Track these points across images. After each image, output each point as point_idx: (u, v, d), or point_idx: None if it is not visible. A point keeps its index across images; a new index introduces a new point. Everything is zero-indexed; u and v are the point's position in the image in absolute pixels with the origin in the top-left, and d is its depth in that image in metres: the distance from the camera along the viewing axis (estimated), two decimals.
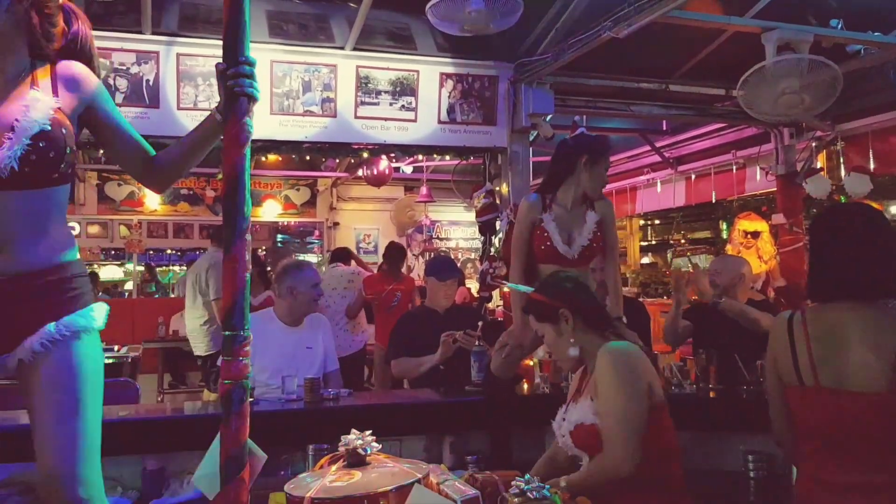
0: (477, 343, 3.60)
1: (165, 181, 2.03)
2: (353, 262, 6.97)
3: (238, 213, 1.70)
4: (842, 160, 5.72)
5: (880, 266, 2.02)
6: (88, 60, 1.97)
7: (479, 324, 3.83)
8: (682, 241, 11.73)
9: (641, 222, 12.40)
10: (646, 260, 13.32)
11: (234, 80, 1.71)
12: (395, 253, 6.68)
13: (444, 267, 4.30)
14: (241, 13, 1.70)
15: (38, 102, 1.77)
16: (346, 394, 3.33)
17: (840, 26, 4.22)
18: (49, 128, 1.75)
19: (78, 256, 1.91)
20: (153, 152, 1.99)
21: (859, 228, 2.07)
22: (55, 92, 1.83)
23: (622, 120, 6.08)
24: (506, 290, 3.42)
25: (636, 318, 3.85)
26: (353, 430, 1.84)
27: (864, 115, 5.50)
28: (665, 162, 7.20)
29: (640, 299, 8.47)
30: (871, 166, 5.49)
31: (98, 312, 1.87)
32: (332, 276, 6.47)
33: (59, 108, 1.80)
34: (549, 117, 5.11)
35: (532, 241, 3.29)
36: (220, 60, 1.73)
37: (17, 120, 1.72)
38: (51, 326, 1.76)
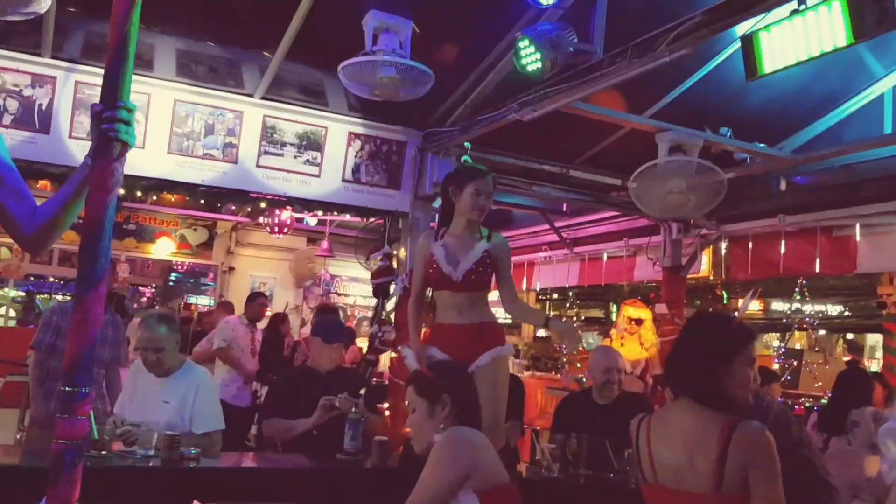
0: (353, 410, 3.51)
1: (45, 240, 1.84)
2: None
3: (95, 261, 1.61)
4: (723, 260, 6.02)
5: (703, 374, 2.11)
6: None
7: (363, 390, 3.74)
8: (576, 318, 12.00)
9: (539, 297, 12.63)
10: (541, 333, 13.53)
11: (109, 123, 1.63)
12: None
13: (332, 329, 4.20)
14: (124, 57, 1.64)
15: None
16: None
17: (729, 135, 4.49)
18: None
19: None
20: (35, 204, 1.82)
21: (699, 336, 2.21)
22: None
23: (525, 198, 6.23)
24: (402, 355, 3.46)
25: (511, 393, 3.88)
26: (196, 502, 1.73)
27: (747, 218, 5.82)
28: (562, 242, 7.39)
29: (530, 372, 8.57)
30: (749, 269, 5.80)
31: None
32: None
33: None
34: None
35: (426, 271, 3.44)
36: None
37: None
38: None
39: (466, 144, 3.79)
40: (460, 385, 2.47)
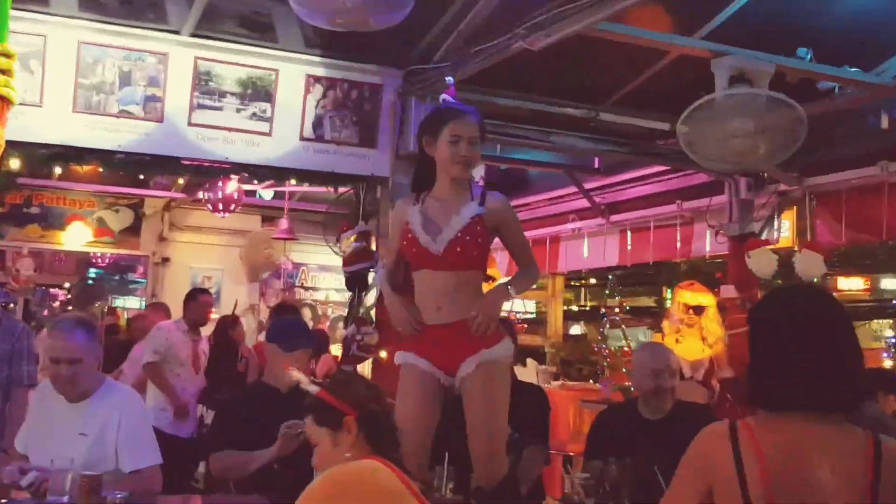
0: None
1: None
2: None
3: None
4: (808, 224, 6.00)
5: (837, 371, 2.09)
6: None
7: None
8: (618, 309, 12.03)
9: (569, 282, 12.65)
10: (575, 330, 13.57)
11: None
12: None
13: (292, 332, 4.22)
14: None
15: None
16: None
17: (809, 58, 4.47)
18: None
19: None
20: None
21: (815, 321, 2.16)
22: None
23: (541, 152, 6.22)
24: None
25: (531, 409, 3.89)
26: None
27: (839, 168, 5.80)
28: (595, 209, 7.39)
29: (559, 382, 8.60)
30: (843, 233, 5.79)
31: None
32: None
33: None
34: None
35: (400, 243, 3.43)
36: None
37: None
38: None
39: (448, 79, 3.77)
40: (364, 402, 2.55)
